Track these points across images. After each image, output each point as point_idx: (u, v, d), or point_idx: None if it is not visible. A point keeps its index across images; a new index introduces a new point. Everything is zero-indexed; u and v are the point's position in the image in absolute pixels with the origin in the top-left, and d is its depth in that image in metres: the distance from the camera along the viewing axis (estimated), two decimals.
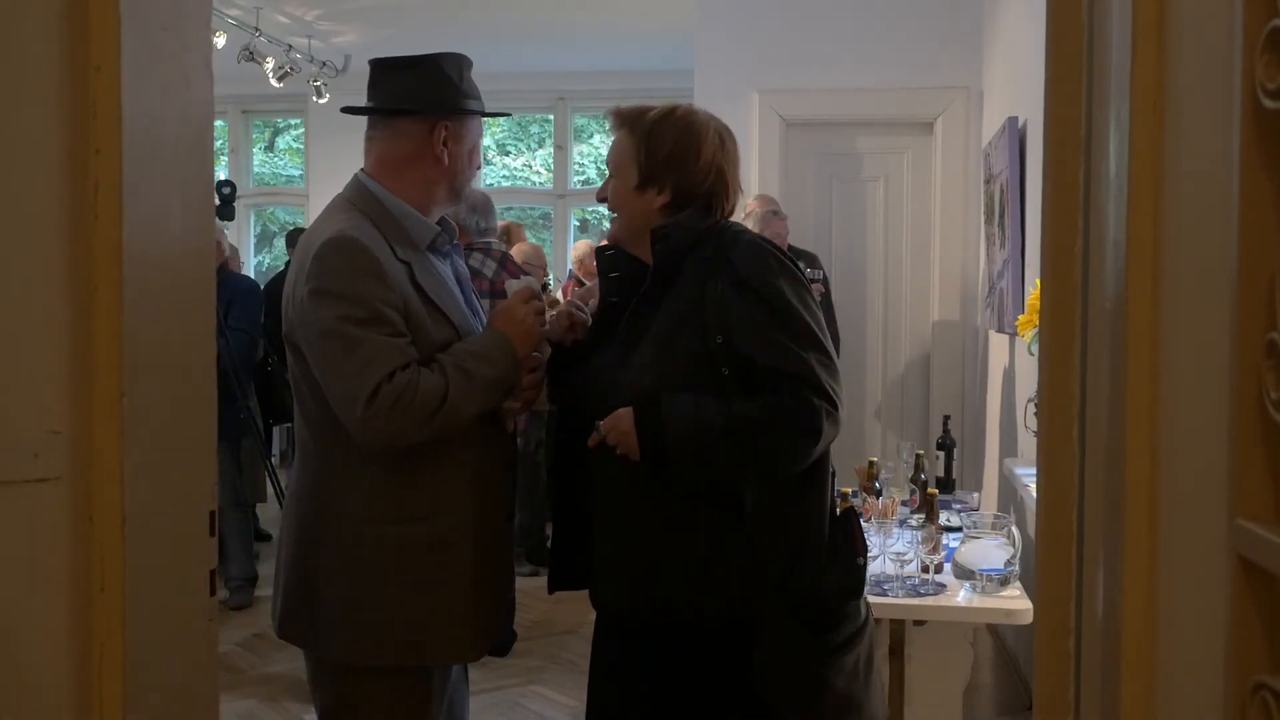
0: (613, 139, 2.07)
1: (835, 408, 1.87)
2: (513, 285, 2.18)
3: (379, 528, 1.95)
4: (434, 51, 2.10)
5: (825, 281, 4.93)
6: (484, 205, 4.11)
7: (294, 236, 6.90)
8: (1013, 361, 4.53)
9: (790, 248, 4.98)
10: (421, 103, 2.05)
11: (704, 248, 1.96)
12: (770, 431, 1.86)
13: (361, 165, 2.11)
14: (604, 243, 2.17)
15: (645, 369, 1.93)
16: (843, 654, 1.93)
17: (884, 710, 2.07)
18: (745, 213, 4.75)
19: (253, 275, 9.21)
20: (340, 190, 2.11)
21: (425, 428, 1.88)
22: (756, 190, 5.59)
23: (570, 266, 7.11)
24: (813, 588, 1.91)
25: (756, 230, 4.67)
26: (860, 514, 3.07)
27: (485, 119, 2.17)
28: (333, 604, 1.96)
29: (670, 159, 1.97)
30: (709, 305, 1.90)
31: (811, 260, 4.97)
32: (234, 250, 6.57)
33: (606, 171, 2.12)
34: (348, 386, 1.86)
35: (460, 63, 2.10)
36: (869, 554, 2.77)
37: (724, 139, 2.02)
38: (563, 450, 2.12)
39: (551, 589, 2.13)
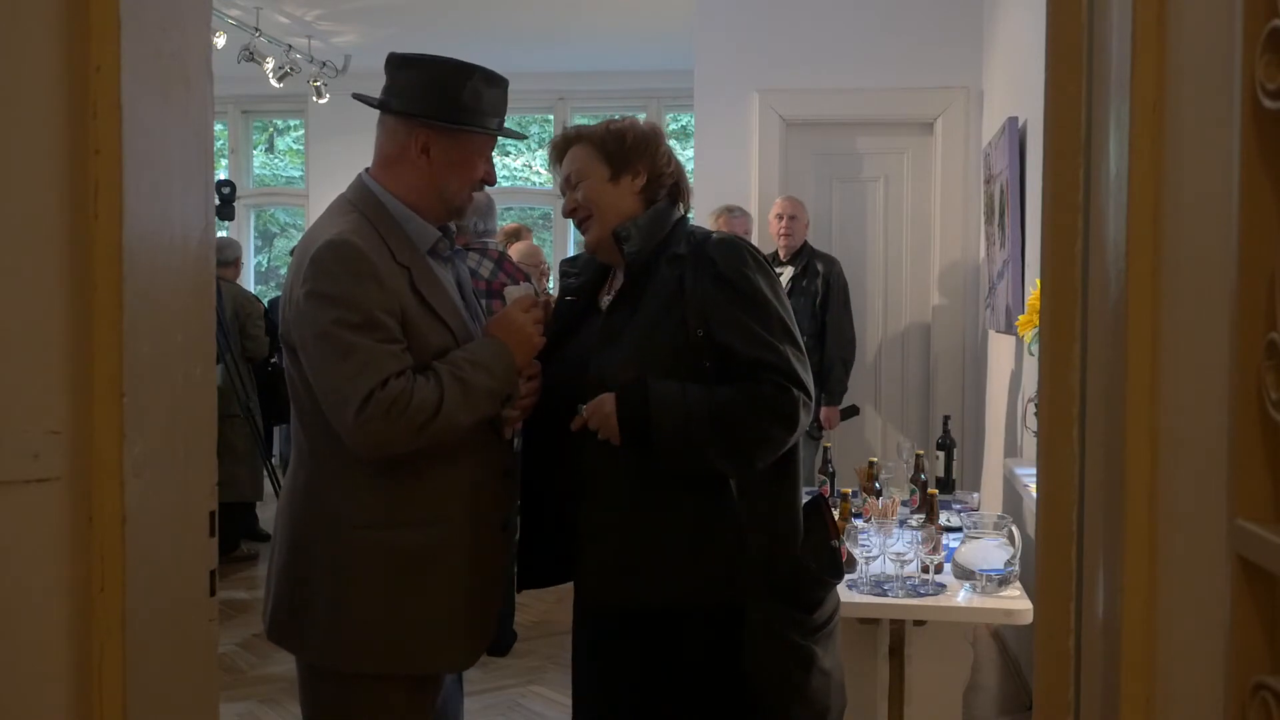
0: (565, 159, 2.13)
1: (809, 398, 1.97)
2: (513, 292, 2.18)
3: (369, 532, 1.94)
4: (442, 54, 2.05)
5: (832, 280, 4.96)
6: (485, 207, 4.10)
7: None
8: (1013, 361, 4.53)
9: (809, 248, 5.03)
10: (402, 103, 2.02)
11: (675, 244, 2.05)
12: (752, 418, 1.93)
13: (364, 164, 2.09)
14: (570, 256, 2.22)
15: (628, 362, 1.98)
16: (825, 634, 2.03)
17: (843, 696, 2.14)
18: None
19: (253, 276, 9.21)
20: (341, 191, 2.09)
21: (418, 437, 1.87)
22: (757, 191, 5.60)
23: None
24: (795, 568, 1.99)
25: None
26: (859, 514, 3.08)
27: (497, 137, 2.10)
28: (321, 608, 1.95)
29: (635, 146, 2.09)
30: (689, 299, 1.98)
31: (830, 262, 5.00)
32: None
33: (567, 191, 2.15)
34: (340, 391, 1.85)
35: (464, 72, 2.02)
36: (868, 556, 2.79)
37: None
38: (532, 446, 2.14)
39: (520, 587, 2.14)
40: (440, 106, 2.00)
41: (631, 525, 1.97)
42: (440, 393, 1.88)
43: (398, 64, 2.05)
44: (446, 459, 1.96)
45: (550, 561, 2.11)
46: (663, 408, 1.92)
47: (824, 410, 4.98)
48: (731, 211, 4.95)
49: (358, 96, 2.15)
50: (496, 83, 2.06)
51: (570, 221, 2.20)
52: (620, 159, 2.08)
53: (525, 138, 2.44)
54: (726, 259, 2.00)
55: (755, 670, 1.95)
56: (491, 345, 2.00)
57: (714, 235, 2.07)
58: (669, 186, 2.12)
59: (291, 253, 2.08)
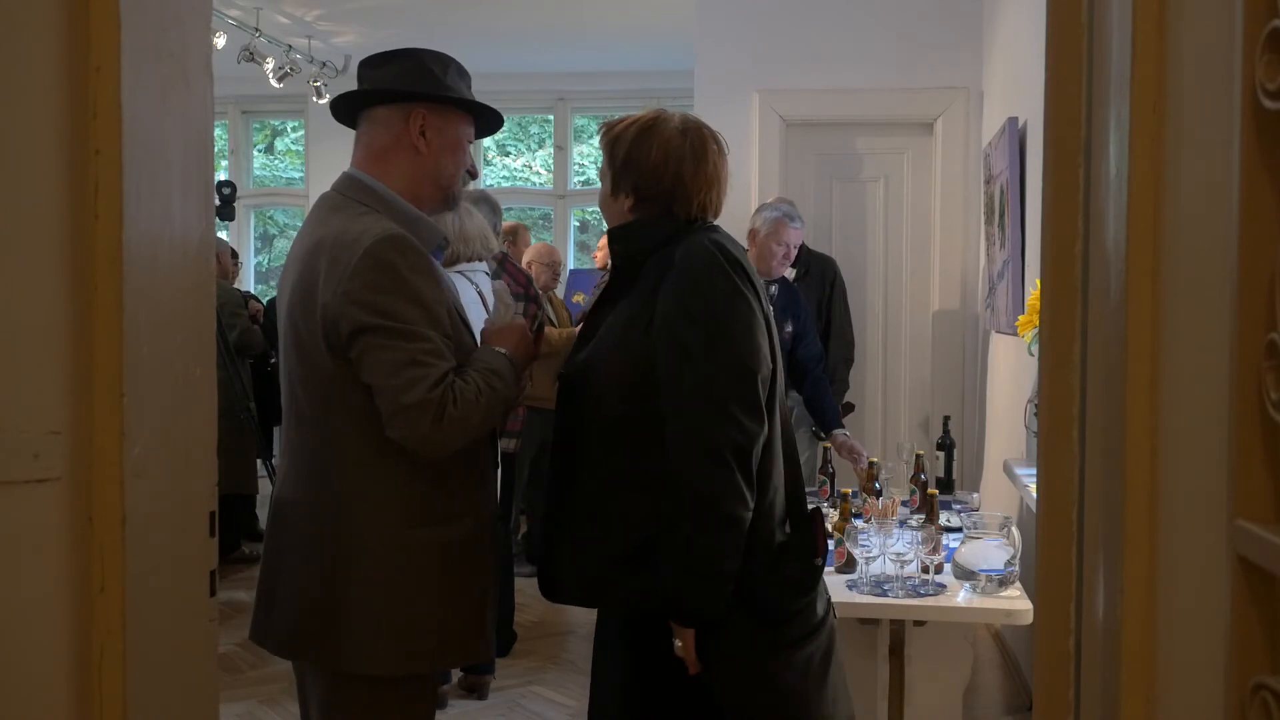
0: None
1: (736, 500, 1.82)
2: (497, 286, 2.20)
3: (421, 531, 1.92)
4: (438, 53, 2.08)
5: (835, 281, 4.91)
6: (494, 206, 4.13)
7: None
8: (1013, 361, 4.53)
9: (805, 250, 4.95)
10: (397, 86, 2.02)
11: (670, 248, 1.95)
12: (695, 549, 1.83)
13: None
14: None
15: (592, 361, 1.96)
16: (793, 650, 1.92)
17: (844, 711, 2.02)
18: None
19: (252, 276, 9.21)
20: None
21: (463, 440, 1.89)
22: (757, 191, 5.59)
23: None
24: (761, 582, 1.89)
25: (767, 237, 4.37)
26: (859, 514, 3.08)
27: (480, 124, 2.14)
28: (366, 613, 1.90)
29: (625, 163, 2.00)
30: (658, 313, 1.90)
31: (827, 264, 4.95)
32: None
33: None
34: (411, 393, 1.82)
35: (443, 59, 2.07)
36: (868, 556, 2.78)
37: (691, 141, 2.00)
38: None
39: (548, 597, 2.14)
40: (434, 86, 2.03)
41: (588, 521, 1.94)
42: (478, 397, 1.88)
43: (375, 63, 2.07)
44: (470, 456, 1.97)
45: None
46: (679, 602, 1.86)
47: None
48: (791, 220, 4.25)
49: (343, 97, 2.08)
50: (465, 75, 2.11)
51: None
52: (613, 176, 2.03)
53: (502, 121, 2.36)
54: (684, 262, 1.89)
55: (713, 682, 1.90)
56: (501, 359, 1.99)
57: (694, 241, 1.93)
58: (662, 198, 1.99)
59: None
